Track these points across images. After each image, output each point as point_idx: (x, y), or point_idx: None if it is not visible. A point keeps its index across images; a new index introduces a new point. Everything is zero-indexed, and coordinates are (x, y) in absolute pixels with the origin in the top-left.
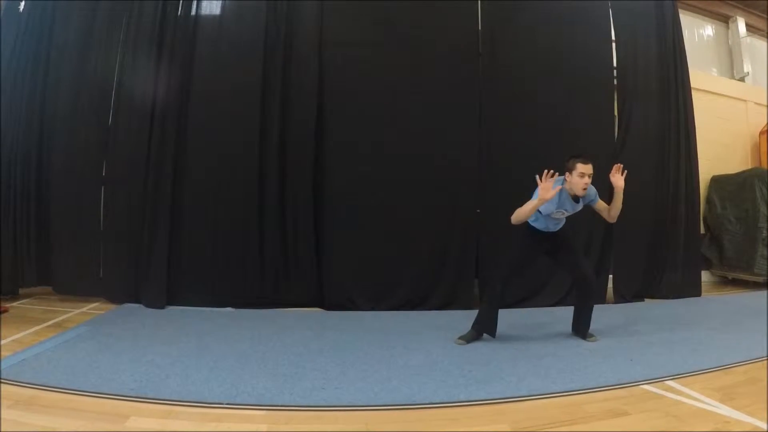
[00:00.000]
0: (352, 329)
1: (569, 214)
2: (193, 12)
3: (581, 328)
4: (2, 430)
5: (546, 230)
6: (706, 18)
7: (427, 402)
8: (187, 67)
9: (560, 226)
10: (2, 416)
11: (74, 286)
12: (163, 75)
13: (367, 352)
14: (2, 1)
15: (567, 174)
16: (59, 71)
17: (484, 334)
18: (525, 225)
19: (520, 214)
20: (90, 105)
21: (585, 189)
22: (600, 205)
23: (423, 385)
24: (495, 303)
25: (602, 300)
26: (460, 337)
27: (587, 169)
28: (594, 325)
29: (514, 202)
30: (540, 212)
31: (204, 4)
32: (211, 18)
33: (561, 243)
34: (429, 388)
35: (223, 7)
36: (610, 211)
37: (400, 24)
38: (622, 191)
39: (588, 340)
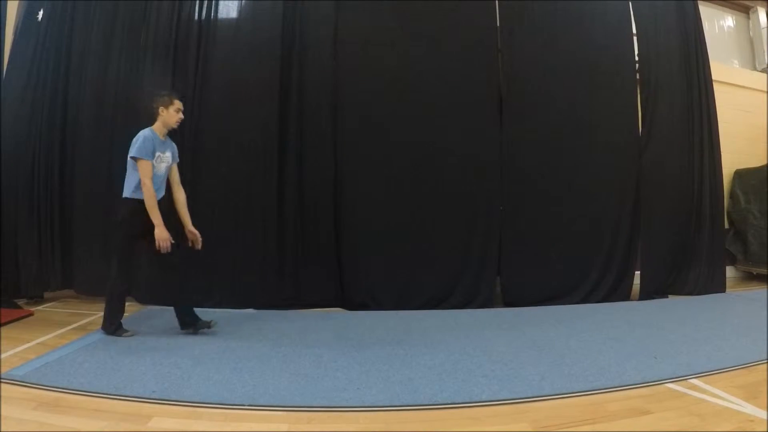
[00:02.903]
0: (374, 329)
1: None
2: (211, 15)
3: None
4: (5, 429)
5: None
6: (726, 9)
7: (448, 402)
8: (204, 69)
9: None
10: (27, 418)
11: (97, 288)
12: (181, 77)
13: (388, 352)
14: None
15: (161, 110)
16: (80, 76)
17: None
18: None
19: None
20: (112, 109)
21: (177, 122)
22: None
23: (444, 384)
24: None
25: (626, 297)
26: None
27: (180, 104)
28: (618, 322)
29: (536, 199)
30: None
31: (221, 5)
32: (228, 21)
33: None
34: (451, 387)
35: (239, 10)
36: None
37: (416, 21)
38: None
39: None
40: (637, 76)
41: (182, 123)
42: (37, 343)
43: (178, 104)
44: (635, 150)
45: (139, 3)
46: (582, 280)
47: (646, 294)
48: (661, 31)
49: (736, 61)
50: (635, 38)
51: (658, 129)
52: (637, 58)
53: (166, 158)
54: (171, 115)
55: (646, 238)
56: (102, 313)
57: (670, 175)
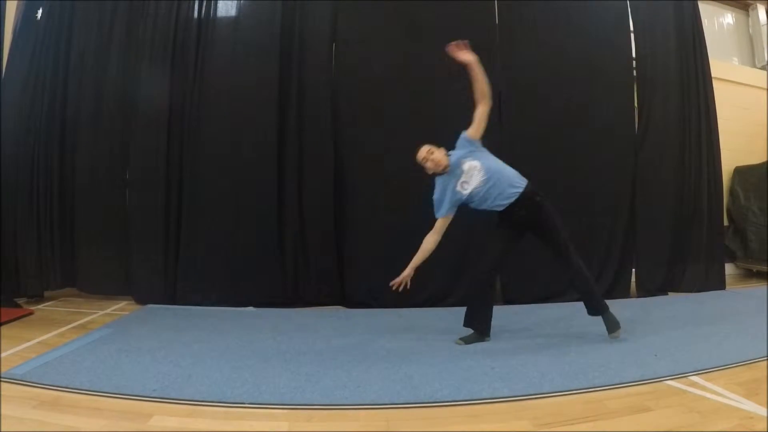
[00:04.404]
0: (374, 327)
1: (470, 175)
2: (210, 14)
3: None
4: (5, 429)
5: (499, 207)
6: (726, 6)
7: (448, 399)
8: (204, 68)
9: (502, 199)
10: (27, 417)
11: (99, 286)
12: (180, 76)
13: (388, 349)
14: (18, 5)
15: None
16: (80, 75)
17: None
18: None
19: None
20: (111, 107)
21: (437, 166)
22: (470, 129)
23: (445, 382)
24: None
25: (626, 294)
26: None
27: (421, 153)
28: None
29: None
30: (468, 199)
31: (220, 5)
32: (227, 20)
33: (531, 222)
34: (451, 385)
35: (238, 9)
36: (478, 106)
37: (415, 21)
38: (474, 64)
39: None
40: (635, 74)
41: (181, 122)
42: (38, 342)
43: (419, 159)
44: (633, 147)
45: (138, 2)
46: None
47: (645, 291)
48: (658, 29)
49: (735, 59)
50: (632, 36)
51: (656, 126)
52: (634, 56)
53: (470, 168)
54: (427, 169)
55: (645, 235)
56: (100, 313)
57: (669, 172)
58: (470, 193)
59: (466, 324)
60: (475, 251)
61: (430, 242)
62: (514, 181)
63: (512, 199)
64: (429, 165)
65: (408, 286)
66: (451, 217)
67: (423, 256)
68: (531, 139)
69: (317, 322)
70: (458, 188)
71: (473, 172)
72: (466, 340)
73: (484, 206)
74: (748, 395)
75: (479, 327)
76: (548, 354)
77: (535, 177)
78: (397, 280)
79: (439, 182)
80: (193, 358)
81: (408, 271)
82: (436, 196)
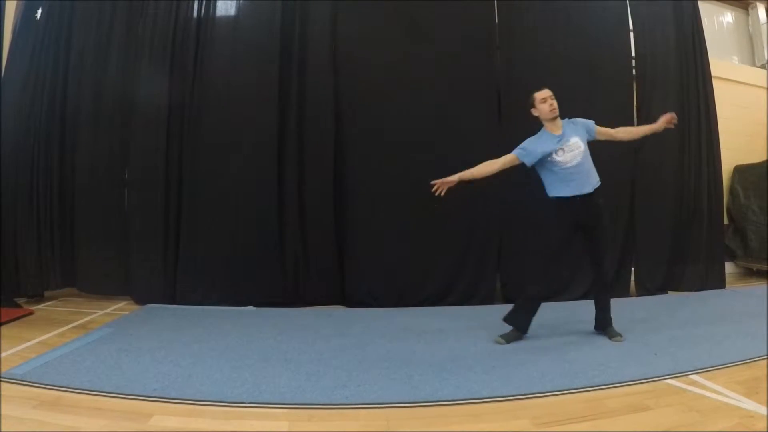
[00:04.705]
0: (374, 326)
1: (570, 153)
2: (209, 14)
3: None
4: (5, 429)
5: (577, 193)
6: (725, 5)
7: (449, 398)
8: (203, 68)
9: (591, 183)
10: (27, 417)
11: (98, 287)
12: (179, 76)
13: (388, 349)
14: (18, 4)
15: (533, 110)
16: (79, 75)
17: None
18: (553, 203)
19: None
20: (111, 107)
21: (553, 110)
22: (602, 131)
23: (445, 381)
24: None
25: (626, 293)
26: (501, 336)
27: (545, 93)
28: (617, 319)
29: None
30: (549, 166)
31: (219, 5)
32: (227, 19)
33: (597, 219)
34: (451, 384)
35: (237, 9)
36: (618, 133)
37: (413, 19)
38: (653, 128)
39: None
40: (634, 73)
41: (181, 121)
42: (38, 342)
43: (539, 96)
44: (632, 147)
45: (138, 2)
46: (581, 276)
47: (645, 290)
48: (658, 28)
49: (735, 57)
50: (632, 35)
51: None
52: (633, 55)
53: (575, 145)
54: (540, 109)
55: (645, 234)
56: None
57: (668, 171)
58: (560, 161)
59: (512, 322)
60: (476, 251)
61: (489, 165)
62: (596, 176)
63: (596, 187)
64: (550, 104)
65: (443, 193)
66: (518, 163)
67: (475, 174)
68: (530, 135)
69: (317, 322)
70: (556, 147)
71: (575, 148)
72: (507, 338)
73: (570, 185)
74: (748, 394)
75: (523, 325)
76: (548, 353)
77: (537, 177)
78: (438, 181)
79: (543, 136)
80: (193, 358)
81: (453, 178)
82: (529, 141)
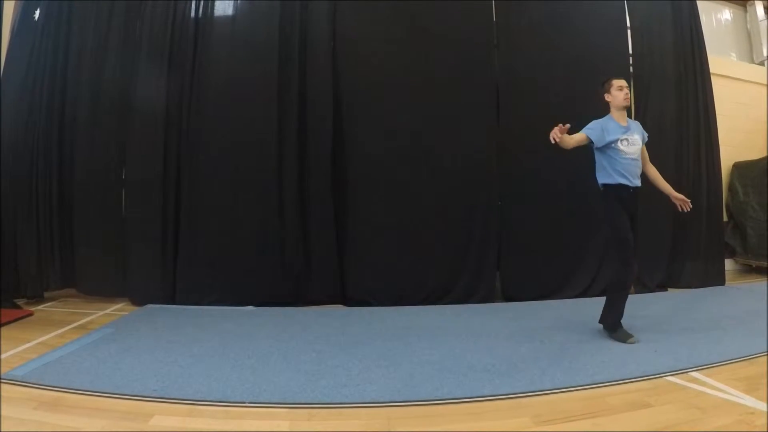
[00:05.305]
0: (374, 325)
1: (632, 147)
2: (208, 13)
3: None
4: (5, 430)
5: (630, 185)
6: (723, 2)
7: (449, 397)
8: (202, 67)
9: (639, 179)
10: (27, 418)
11: (98, 287)
12: (178, 76)
13: (388, 348)
14: (16, 5)
15: (606, 95)
16: (78, 75)
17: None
18: (608, 194)
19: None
20: (109, 107)
21: (627, 99)
22: (645, 149)
23: (445, 380)
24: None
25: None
26: (630, 338)
27: (622, 81)
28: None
29: (534, 193)
30: (611, 153)
31: (217, 4)
32: (225, 18)
33: (636, 212)
34: (451, 383)
35: (235, 8)
36: (649, 165)
37: (412, 18)
38: (669, 192)
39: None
40: (631, 70)
41: (180, 121)
42: (37, 343)
43: (617, 83)
44: None
45: (135, 2)
46: (581, 273)
47: (644, 287)
48: (656, 25)
49: (733, 54)
50: (629, 32)
51: (654, 123)
52: (631, 52)
53: (636, 141)
54: (614, 96)
55: (644, 231)
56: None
57: (668, 168)
58: (623, 150)
59: (611, 321)
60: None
61: (569, 139)
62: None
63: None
64: (626, 93)
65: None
66: (585, 142)
67: (562, 142)
68: (529, 137)
69: (317, 321)
70: (622, 137)
71: (636, 143)
72: (622, 337)
73: (626, 176)
74: (748, 391)
75: (617, 319)
76: (548, 351)
77: (535, 176)
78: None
79: (610, 123)
80: (193, 358)
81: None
82: (597, 123)
